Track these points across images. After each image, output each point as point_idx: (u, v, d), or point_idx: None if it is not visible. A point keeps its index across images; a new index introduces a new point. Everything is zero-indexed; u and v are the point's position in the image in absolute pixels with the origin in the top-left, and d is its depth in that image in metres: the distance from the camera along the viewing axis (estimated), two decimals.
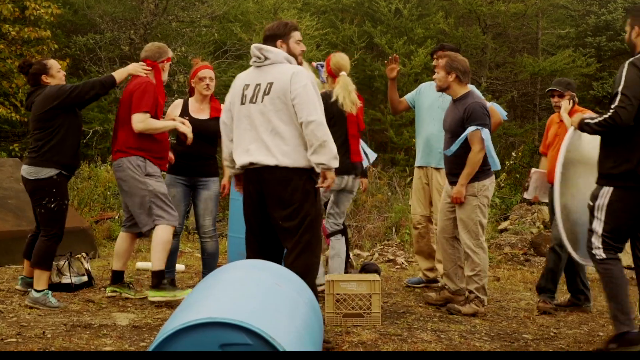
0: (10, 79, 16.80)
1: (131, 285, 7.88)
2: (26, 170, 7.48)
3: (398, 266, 11.16)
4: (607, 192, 6.17)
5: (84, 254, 8.59)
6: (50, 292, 7.43)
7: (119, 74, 7.66)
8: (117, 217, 13.07)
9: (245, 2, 22.01)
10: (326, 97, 7.70)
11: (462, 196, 7.59)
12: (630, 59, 6.09)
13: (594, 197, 6.26)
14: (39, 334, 6.07)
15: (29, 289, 7.60)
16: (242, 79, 6.39)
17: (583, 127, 6.35)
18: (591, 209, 6.29)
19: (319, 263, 6.39)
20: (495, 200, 14.66)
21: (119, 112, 7.58)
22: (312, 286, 5.83)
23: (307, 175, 6.15)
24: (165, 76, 7.73)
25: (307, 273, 5.99)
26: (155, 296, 7.35)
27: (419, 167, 9.08)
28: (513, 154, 19.68)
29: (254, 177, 6.17)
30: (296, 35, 6.45)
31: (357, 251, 12.12)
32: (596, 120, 6.15)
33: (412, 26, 23.53)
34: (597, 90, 24.38)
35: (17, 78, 16.69)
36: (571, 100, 8.06)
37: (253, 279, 4.61)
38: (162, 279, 7.41)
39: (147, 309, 7.28)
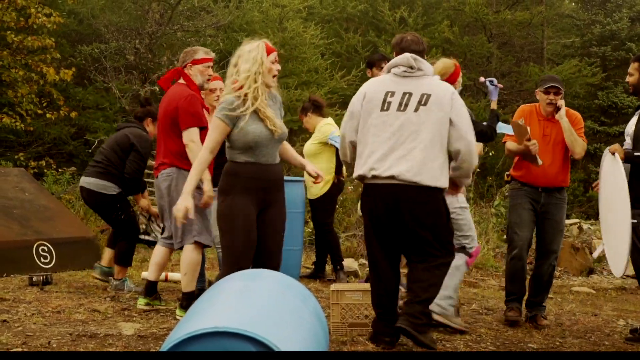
0: (15, 89, 16.79)
1: (161, 297, 7.92)
2: (93, 183, 8.62)
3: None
4: None
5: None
6: (127, 279, 8.72)
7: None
8: None
9: (250, 11, 22.03)
10: None
11: None
12: None
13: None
14: (44, 344, 6.06)
15: (106, 279, 8.79)
16: (382, 86, 6.27)
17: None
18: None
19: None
20: (500, 209, 14.65)
21: (163, 123, 7.42)
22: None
23: (442, 195, 6.22)
24: (197, 79, 7.44)
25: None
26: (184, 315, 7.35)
27: None
28: None
29: (388, 190, 6.07)
30: None
31: (362, 260, 12.11)
32: None
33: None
34: (602, 100, 24.40)
35: (21, 87, 16.69)
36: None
37: (258, 287, 4.61)
38: (193, 299, 7.35)
39: (152, 319, 7.28)
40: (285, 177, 9.30)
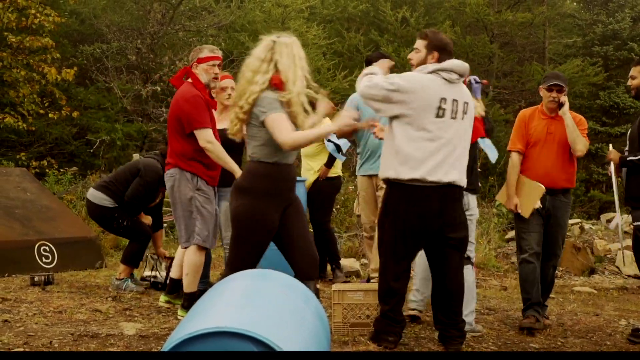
0: (16, 89, 16.78)
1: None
2: (92, 195, 8.89)
3: None
4: None
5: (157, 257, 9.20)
6: (129, 279, 8.73)
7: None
8: None
9: (252, 11, 22.03)
10: None
11: None
12: None
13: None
14: (46, 344, 6.06)
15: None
16: (435, 89, 6.19)
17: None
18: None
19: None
20: (502, 209, 14.65)
21: (169, 123, 7.41)
22: None
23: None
24: (202, 78, 7.34)
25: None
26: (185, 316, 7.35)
27: (367, 176, 9.02)
28: None
29: (437, 194, 6.25)
30: None
31: (364, 260, 12.11)
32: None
33: None
34: (604, 100, 24.40)
35: (23, 87, 16.69)
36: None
37: (260, 288, 4.60)
38: (194, 300, 7.28)
39: (154, 319, 7.28)
40: None
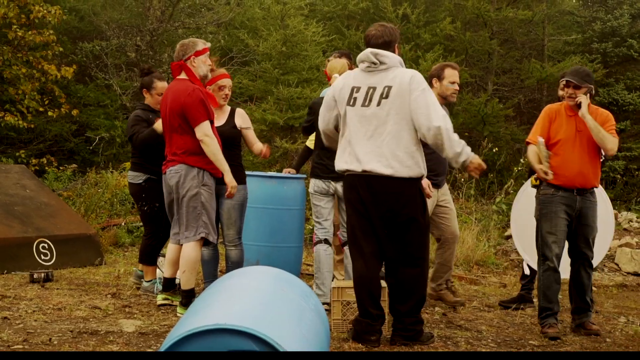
0: (16, 86, 16.74)
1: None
2: (129, 175, 8.66)
3: None
4: None
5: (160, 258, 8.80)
6: (158, 281, 8.37)
7: (158, 127, 8.06)
8: (123, 224, 13.06)
9: (251, 8, 22.00)
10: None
11: None
12: None
13: None
14: (45, 341, 6.06)
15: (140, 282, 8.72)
16: (349, 81, 6.48)
17: None
18: None
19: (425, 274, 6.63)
20: (502, 206, 14.64)
21: (169, 120, 7.34)
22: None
23: (418, 185, 6.37)
24: (199, 71, 7.42)
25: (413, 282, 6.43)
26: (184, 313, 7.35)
27: None
28: (521, 160, 19.48)
29: (364, 183, 6.31)
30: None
31: None
32: None
33: (419, 32, 23.51)
34: (603, 97, 24.32)
35: (23, 84, 16.65)
36: (589, 94, 7.43)
37: (259, 285, 4.60)
38: (193, 297, 7.25)
39: (153, 316, 7.28)
40: (285, 174, 9.27)
